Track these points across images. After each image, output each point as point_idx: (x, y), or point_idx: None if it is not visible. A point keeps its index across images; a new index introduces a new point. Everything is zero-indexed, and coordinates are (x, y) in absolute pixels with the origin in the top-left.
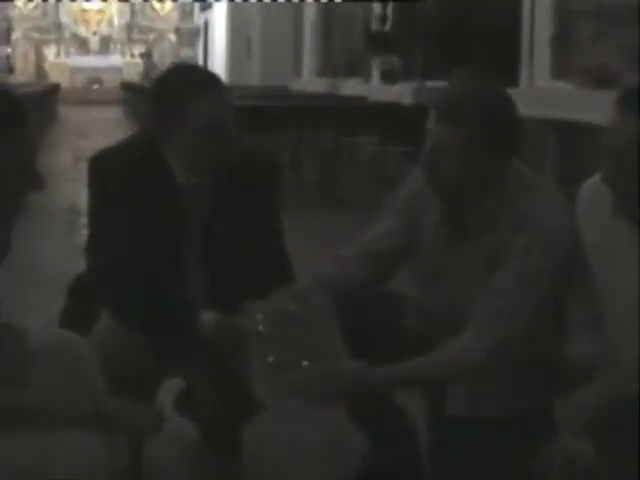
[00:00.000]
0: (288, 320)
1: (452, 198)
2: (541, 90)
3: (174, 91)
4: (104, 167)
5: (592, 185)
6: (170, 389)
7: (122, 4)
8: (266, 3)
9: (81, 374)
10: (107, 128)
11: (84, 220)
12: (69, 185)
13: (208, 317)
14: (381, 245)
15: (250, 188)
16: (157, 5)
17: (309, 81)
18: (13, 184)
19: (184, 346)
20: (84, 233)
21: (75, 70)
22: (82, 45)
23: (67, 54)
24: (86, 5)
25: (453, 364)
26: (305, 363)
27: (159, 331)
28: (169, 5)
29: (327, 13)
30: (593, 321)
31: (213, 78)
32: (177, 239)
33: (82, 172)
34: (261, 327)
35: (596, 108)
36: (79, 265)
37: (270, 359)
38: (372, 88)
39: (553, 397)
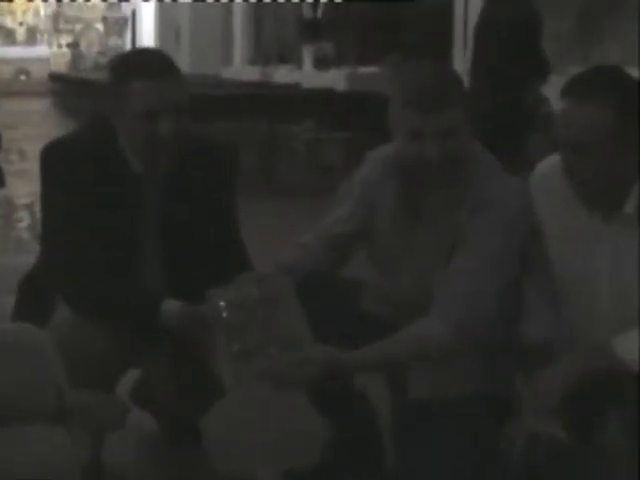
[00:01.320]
0: (251, 306)
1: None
2: None
3: (118, 73)
4: (56, 157)
5: (548, 169)
6: (126, 380)
7: None
8: None
9: (43, 368)
10: (35, 119)
11: (19, 214)
12: None
13: (171, 305)
14: (338, 230)
15: (206, 176)
16: None
17: (240, 69)
18: None
19: (145, 336)
20: (20, 227)
21: (1, 61)
22: (8, 36)
23: None
24: None
25: (419, 347)
26: (271, 349)
27: (119, 321)
28: None
29: (257, 0)
30: (549, 302)
31: (160, 64)
32: (134, 228)
33: (14, 164)
34: (225, 314)
35: None
36: (16, 259)
37: (235, 346)
38: (305, 75)
39: (515, 378)
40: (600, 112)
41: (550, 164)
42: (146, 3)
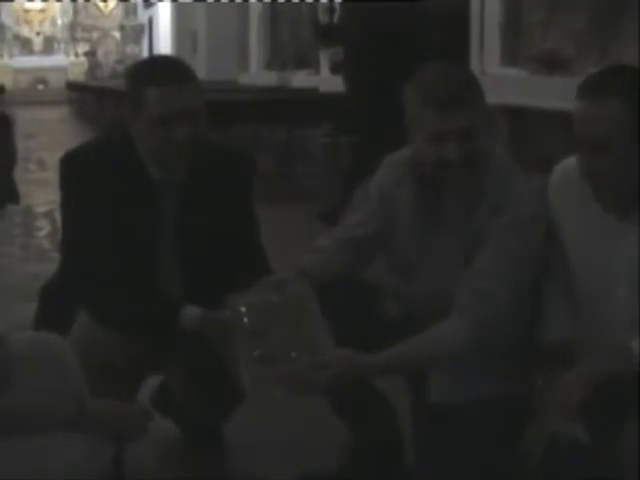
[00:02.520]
0: (272, 311)
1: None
2: (492, 77)
3: (135, 80)
4: (76, 165)
5: (565, 170)
6: (147, 386)
7: (65, 3)
8: None
9: (65, 376)
10: (54, 128)
11: (39, 223)
12: (20, 186)
13: (191, 311)
14: (356, 234)
15: (223, 181)
16: (100, 3)
17: (257, 75)
18: None
19: (166, 342)
20: (39, 235)
21: (19, 71)
22: (25, 46)
23: (10, 55)
24: (28, 5)
25: (439, 348)
26: (293, 354)
27: (139, 328)
28: (112, 3)
29: (273, 6)
30: (567, 303)
31: (177, 71)
32: (153, 235)
33: (33, 173)
34: (245, 319)
35: (547, 93)
36: (37, 267)
37: (256, 351)
38: (322, 79)
39: (533, 380)
40: (616, 110)
41: (567, 165)
42: (163, 11)
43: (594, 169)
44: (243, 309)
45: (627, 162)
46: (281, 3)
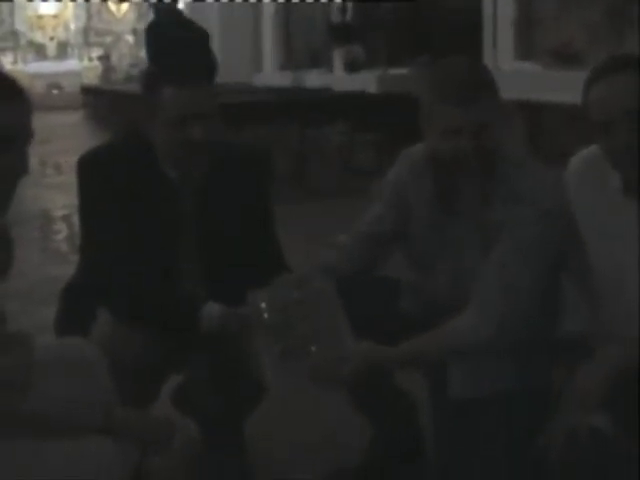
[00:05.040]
0: (292, 307)
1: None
2: (506, 72)
3: (150, 82)
4: (93, 166)
5: (584, 160)
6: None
7: (78, 8)
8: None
9: (93, 384)
10: (69, 132)
11: (56, 226)
12: (38, 190)
13: (212, 309)
14: (374, 230)
15: (240, 180)
16: (113, 7)
17: (272, 75)
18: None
19: (187, 340)
20: (58, 238)
21: (34, 77)
22: (39, 51)
23: (25, 61)
24: (41, 11)
25: (459, 342)
26: (313, 348)
27: (161, 327)
28: (125, 6)
29: (286, 6)
30: (586, 296)
31: (192, 72)
32: (171, 233)
33: (50, 177)
34: (266, 315)
35: (562, 87)
36: (55, 270)
37: (277, 347)
38: (336, 78)
39: (553, 373)
40: (633, 82)
41: (585, 156)
42: None
43: (631, 140)
44: (263, 305)
45: None
46: (294, 3)
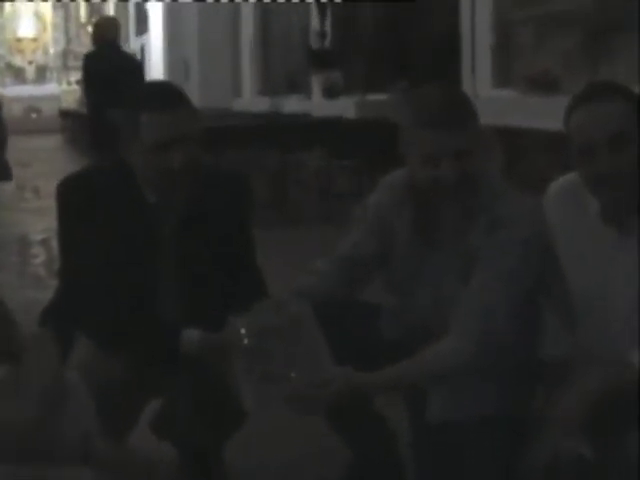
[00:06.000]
0: (271, 331)
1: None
2: (484, 99)
3: (129, 107)
4: (72, 191)
5: (562, 186)
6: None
7: (57, 32)
8: (202, 26)
9: (73, 412)
10: (48, 156)
11: (34, 250)
12: (16, 214)
13: (191, 334)
14: (353, 255)
15: (219, 205)
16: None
17: (250, 101)
18: None
19: (166, 366)
20: (36, 263)
21: (12, 100)
22: (18, 75)
23: (3, 85)
24: (20, 34)
25: (439, 367)
26: (292, 374)
27: (139, 352)
28: None
29: (264, 32)
30: (566, 319)
31: (170, 97)
32: (152, 259)
33: (28, 201)
34: (246, 341)
35: (539, 114)
36: (33, 295)
37: (257, 371)
38: (314, 104)
39: (533, 397)
40: (626, 105)
41: (563, 182)
42: (155, 39)
43: (613, 166)
44: (243, 331)
45: (630, 166)
46: (272, 29)
